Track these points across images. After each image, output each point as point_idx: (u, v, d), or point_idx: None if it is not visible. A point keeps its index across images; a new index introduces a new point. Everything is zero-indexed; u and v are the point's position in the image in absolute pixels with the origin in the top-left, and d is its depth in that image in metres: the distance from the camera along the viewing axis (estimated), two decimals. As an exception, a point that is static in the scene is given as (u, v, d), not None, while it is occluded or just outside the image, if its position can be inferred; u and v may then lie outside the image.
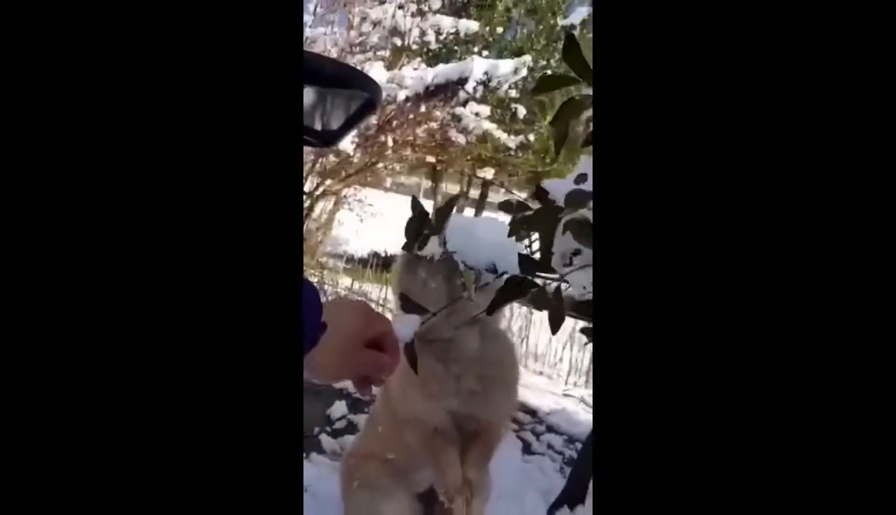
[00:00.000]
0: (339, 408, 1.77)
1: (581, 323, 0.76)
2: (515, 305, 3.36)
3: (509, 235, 0.65)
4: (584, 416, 2.19)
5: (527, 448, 1.81)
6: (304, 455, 1.41)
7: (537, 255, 0.61)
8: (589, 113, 0.52)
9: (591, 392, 2.58)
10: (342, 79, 0.54)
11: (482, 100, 3.75)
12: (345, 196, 4.36)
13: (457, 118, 3.72)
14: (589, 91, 0.53)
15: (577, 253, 0.61)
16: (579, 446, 1.78)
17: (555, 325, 0.59)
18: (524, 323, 3.38)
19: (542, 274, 0.59)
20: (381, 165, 4.00)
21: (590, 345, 0.66)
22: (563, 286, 0.61)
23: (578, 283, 0.63)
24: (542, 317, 3.43)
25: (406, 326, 0.62)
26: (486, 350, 0.79)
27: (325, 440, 1.55)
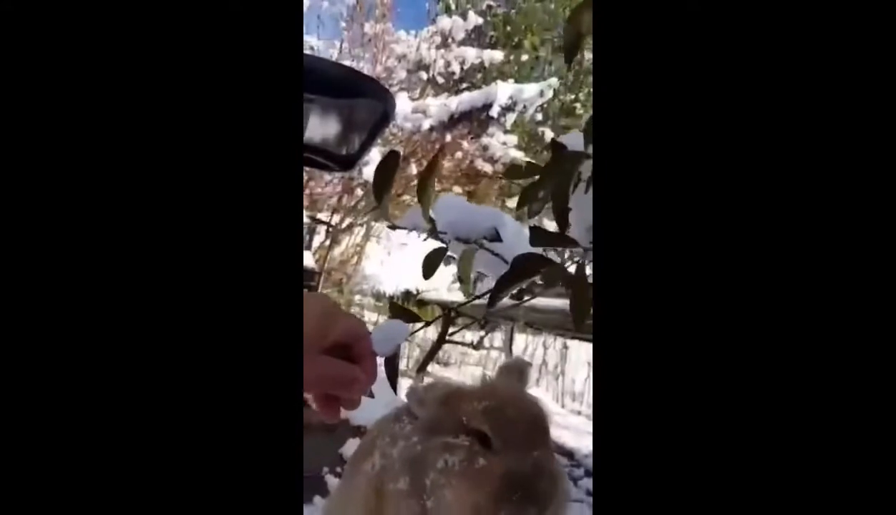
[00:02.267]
0: (352, 447, 1.62)
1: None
2: (548, 338, 3.17)
3: (517, 206, 0.51)
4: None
5: (562, 495, 1.59)
6: (307, 497, 1.26)
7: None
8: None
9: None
10: (351, 84, 0.50)
11: (509, 131, 3.69)
12: (374, 230, 4.33)
13: (483, 147, 3.66)
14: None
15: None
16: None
17: (580, 316, 0.43)
18: (559, 359, 3.17)
19: (561, 248, 0.45)
20: (406, 197, 3.95)
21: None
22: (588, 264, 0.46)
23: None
24: (578, 351, 3.22)
25: (387, 335, 0.46)
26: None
27: (333, 482, 1.39)
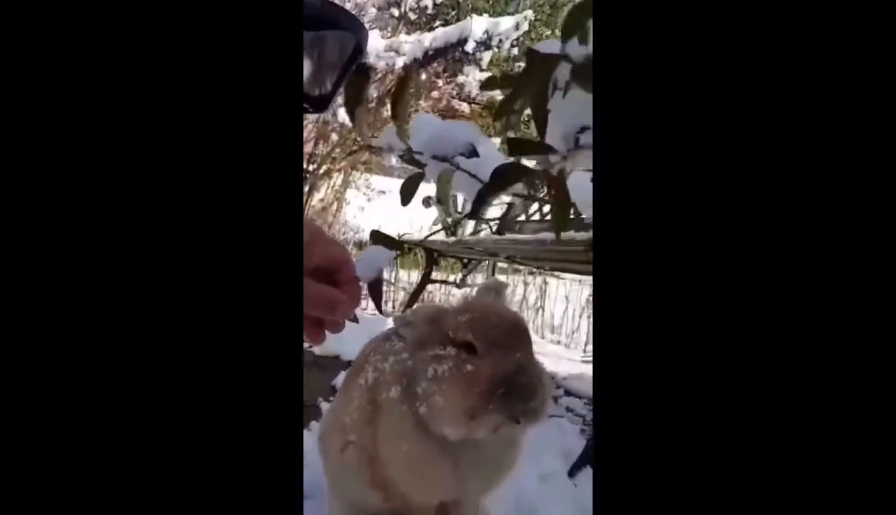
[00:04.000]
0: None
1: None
2: (528, 277, 3.25)
3: (495, 119, 0.52)
4: (605, 382, 2.06)
5: (545, 414, 1.69)
6: (305, 424, 1.32)
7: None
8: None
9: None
10: (324, 14, 0.46)
11: (485, 69, 3.60)
12: (352, 178, 4.26)
13: (459, 86, 3.58)
14: None
15: (583, 129, 0.49)
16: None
17: (560, 223, 0.46)
18: (538, 295, 3.26)
19: (539, 156, 0.47)
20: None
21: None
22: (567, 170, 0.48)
23: (581, 184, 0.50)
24: (557, 287, 3.31)
25: (370, 261, 0.48)
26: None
27: (327, 408, 1.46)
